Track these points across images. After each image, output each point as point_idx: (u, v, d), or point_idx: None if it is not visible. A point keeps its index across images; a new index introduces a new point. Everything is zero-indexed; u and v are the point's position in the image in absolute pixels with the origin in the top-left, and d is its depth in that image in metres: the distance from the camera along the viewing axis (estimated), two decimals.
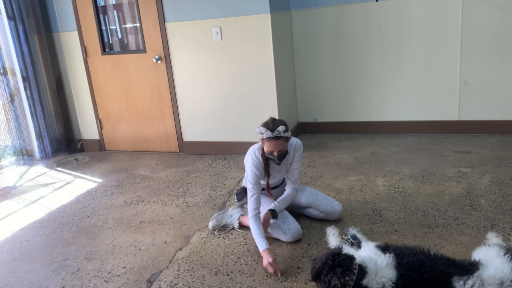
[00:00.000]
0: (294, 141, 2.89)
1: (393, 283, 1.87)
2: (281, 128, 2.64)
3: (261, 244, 2.62)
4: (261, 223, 2.74)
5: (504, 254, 1.95)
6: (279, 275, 2.51)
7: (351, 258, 1.94)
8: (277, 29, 4.41)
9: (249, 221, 2.75)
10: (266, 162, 2.79)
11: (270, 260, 2.52)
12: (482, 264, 1.91)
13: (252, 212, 2.74)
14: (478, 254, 2.06)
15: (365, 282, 1.89)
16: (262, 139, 2.71)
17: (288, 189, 2.99)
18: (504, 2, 4.19)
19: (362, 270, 1.91)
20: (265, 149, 2.72)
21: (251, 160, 2.78)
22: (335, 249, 2.01)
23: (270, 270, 2.53)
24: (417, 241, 2.70)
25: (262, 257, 2.63)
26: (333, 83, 4.94)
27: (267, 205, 2.93)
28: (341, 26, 4.73)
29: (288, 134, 2.71)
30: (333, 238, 2.65)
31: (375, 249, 2.04)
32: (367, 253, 2.03)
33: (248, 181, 2.80)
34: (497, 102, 4.45)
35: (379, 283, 1.88)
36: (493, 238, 2.43)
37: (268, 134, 2.64)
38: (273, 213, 2.88)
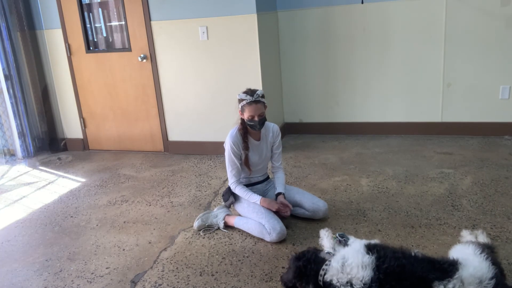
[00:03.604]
0: (271, 124, 3.11)
1: (364, 283, 1.91)
2: (259, 91, 2.87)
3: (256, 197, 2.92)
4: (245, 187, 3.02)
5: (481, 253, 1.99)
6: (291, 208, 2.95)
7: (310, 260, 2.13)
8: (264, 30, 4.41)
9: (235, 189, 3.00)
10: (245, 135, 2.97)
11: (279, 202, 2.91)
12: (461, 263, 1.94)
13: (234, 184, 3.00)
14: (455, 253, 2.10)
15: (327, 277, 2.02)
16: (243, 106, 2.87)
17: (279, 173, 3.16)
18: (486, 5, 4.26)
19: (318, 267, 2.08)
20: (246, 116, 2.87)
21: (229, 137, 2.97)
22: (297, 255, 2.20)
23: (285, 211, 2.91)
24: (400, 241, 2.73)
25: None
26: (318, 83, 4.97)
27: (257, 196, 3.00)
28: (326, 27, 4.76)
29: (265, 101, 2.91)
30: (326, 241, 2.66)
31: (360, 247, 2.08)
32: (350, 250, 2.11)
33: (226, 160, 3.00)
34: (479, 104, 4.52)
35: (341, 278, 1.97)
36: (467, 235, 2.46)
37: (249, 98, 2.83)
38: (284, 195, 3.05)
